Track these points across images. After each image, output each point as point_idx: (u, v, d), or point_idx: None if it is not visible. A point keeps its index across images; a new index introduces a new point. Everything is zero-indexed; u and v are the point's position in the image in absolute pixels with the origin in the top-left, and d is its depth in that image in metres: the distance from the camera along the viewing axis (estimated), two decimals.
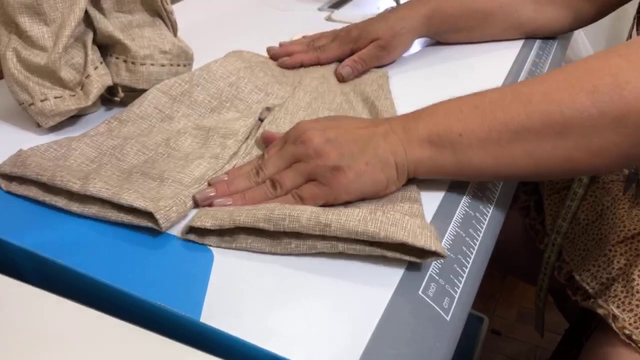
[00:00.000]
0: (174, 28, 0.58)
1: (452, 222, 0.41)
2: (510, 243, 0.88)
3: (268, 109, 0.55)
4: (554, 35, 0.73)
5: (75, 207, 0.41)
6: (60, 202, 0.41)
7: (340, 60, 0.65)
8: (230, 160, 0.47)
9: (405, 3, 0.66)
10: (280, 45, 0.67)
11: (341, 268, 0.37)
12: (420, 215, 0.39)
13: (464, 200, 0.44)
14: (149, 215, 0.39)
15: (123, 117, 0.51)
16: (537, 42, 0.71)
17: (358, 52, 0.64)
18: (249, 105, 0.54)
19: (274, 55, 0.65)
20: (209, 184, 0.44)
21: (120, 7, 0.55)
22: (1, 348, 0.29)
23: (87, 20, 0.53)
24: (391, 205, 0.41)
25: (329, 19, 0.79)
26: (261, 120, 0.53)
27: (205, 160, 0.46)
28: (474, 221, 0.42)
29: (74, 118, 0.54)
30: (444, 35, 0.70)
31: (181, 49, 0.57)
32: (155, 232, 0.40)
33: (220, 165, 0.46)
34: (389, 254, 0.35)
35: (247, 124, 0.50)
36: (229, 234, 0.39)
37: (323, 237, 0.36)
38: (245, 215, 0.38)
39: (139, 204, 0.38)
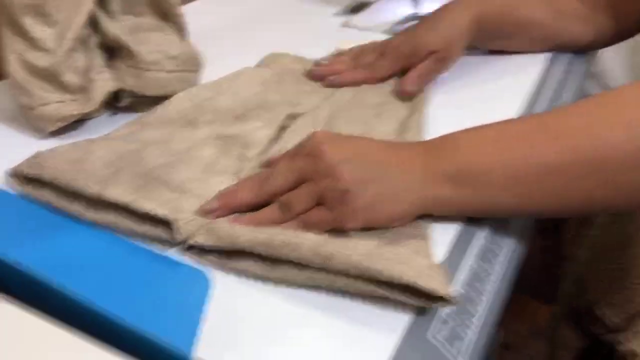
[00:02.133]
0: (183, 32, 0.55)
1: (467, 256, 0.39)
2: (527, 261, 0.85)
3: (292, 117, 0.52)
4: (586, 50, 0.70)
5: (90, 214, 0.39)
6: (76, 208, 0.40)
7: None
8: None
9: (445, 8, 0.61)
10: (320, 64, 0.63)
11: (345, 305, 0.34)
12: (429, 255, 0.36)
13: (482, 232, 0.41)
14: (164, 225, 0.37)
15: (145, 120, 0.50)
16: (564, 57, 0.68)
17: (417, 68, 0.59)
18: (275, 115, 0.52)
19: (319, 77, 0.61)
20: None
21: (129, 9, 0.53)
22: None
23: (93, 22, 0.51)
24: (397, 241, 0.38)
25: (346, 24, 0.77)
26: (283, 130, 0.51)
27: (227, 177, 0.44)
28: (490, 255, 0.39)
29: (77, 122, 0.52)
30: (482, 42, 0.66)
31: (190, 55, 0.54)
32: (153, 252, 0.38)
33: None
34: (394, 295, 0.32)
35: (269, 134, 0.48)
36: (228, 254, 0.37)
37: (323, 270, 0.34)
38: (246, 236, 0.35)
39: (158, 211, 0.37)
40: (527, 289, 1.00)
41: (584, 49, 0.70)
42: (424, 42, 0.60)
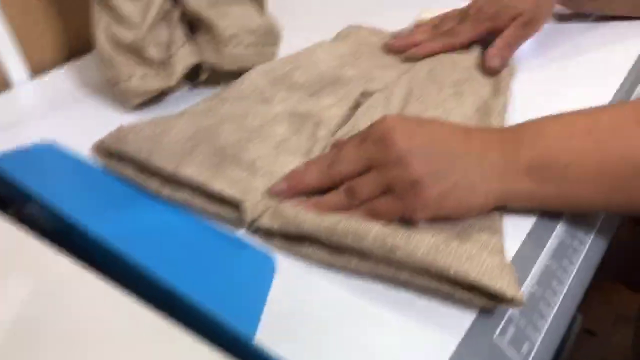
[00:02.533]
0: (262, 5, 0.55)
1: (544, 252, 0.36)
2: (618, 246, 0.80)
3: (366, 94, 0.51)
4: None
5: (167, 190, 0.41)
6: (153, 184, 0.42)
7: (473, 42, 0.57)
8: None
9: None
10: (398, 37, 0.60)
11: (408, 299, 0.33)
12: (499, 251, 0.35)
13: (560, 225, 0.38)
14: (234, 205, 0.38)
15: (223, 95, 0.51)
16: None
17: (502, 35, 0.55)
18: (349, 91, 0.51)
19: (398, 50, 0.58)
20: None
21: None
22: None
23: None
24: (467, 234, 0.36)
25: None
26: (356, 107, 0.50)
27: (297, 157, 0.44)
28: (569, 251, 0.37)
29: (160, 96, 0.54)
30: (579, 2, 0.61)
31: (268, 29, 0.54)
32: (224, 233, 0.39)
33: None
34: (458, 293, 0.31)
35: (340, 113, 0.47)
36: (293, 238, 0.37)
37: (386, 261, 0.33)
38: (311, 221, 0.35)
39: (229, 192, 0.38)
40: (615, 274, 0.94)
41: None
42: (509, 3, 0.55)
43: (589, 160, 0.34)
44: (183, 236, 0.39)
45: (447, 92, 0.51)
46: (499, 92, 0.50)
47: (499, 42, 0.55)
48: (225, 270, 0.36)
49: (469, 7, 0.58)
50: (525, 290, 0.34)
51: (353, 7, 0.70)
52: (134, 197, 0.42)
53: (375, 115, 0.48)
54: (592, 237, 0.39)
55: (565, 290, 0.35)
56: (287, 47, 0.58)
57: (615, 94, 0.51)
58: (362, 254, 0.34)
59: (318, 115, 0.47)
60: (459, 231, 0.36)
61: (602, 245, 0.39)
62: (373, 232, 0.33)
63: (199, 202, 0.40)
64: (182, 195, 0.40)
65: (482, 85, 0.52)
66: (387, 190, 0.37)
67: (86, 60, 0.61)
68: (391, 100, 0.50)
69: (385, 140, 0.37)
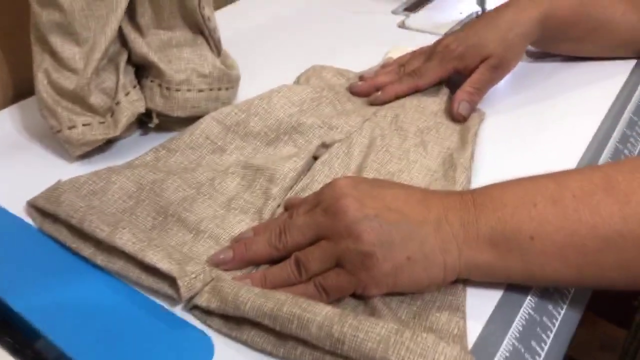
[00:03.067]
0: (217, 47, 0.52)
1: (510, 330, 0.33)
2: None
3: (325, 145, 0.48)
4: None
5: (100, 259, 0.38)
6: (87, 251, 0.39)
7: (440, 82, 0.55)
8: (274, 213, 0.42)
9: (508, 3, 0.54)
10: (363, 78, 0.57)
11: None
12: (460, 336, 0.32)
13: (529, 299, 0.35)
14: (170, 279, 0.35)
15: (172, 145, 0.48)
16: None
17: (470, 80, 0.52)
18: (309, 140, 0.48)
19: (361, 93, 0.55)
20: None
21: (159, 23, 0.50)
22: None
23: (122, 39, 0.48)
24: (426, 314, 0.33)
25: (402, 25, 0.70)
26: (315, 158, 0.47)
27: (248, 216, 0.41)
28: (539, 329, 0.34)
29: (107, 143, 0.50)
30: (551, 44, 0.59)
31: (223, 72, 0.51)
32: (159, 309, 0.35)
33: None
34: None
35: (297, 167, 0.44)
36: (234, 319, 0.34)
37: (335, 353, 0.30)
38: (251, 303, 0.32)
39: (163, 265, 0.35)
40: (601, 311, 0.92)
41: None
42: (480, 43, 0.52)
43: (554, 231, 0.31)
44: (113, 312, 0.35)
45: (412, 142, 0.48)
46: (466, 142, 0.47)
47: (467, 87, 0.52)
48: (157, 352, 0.32)
49: (436, 44, 0.56)
50: None
51: (320, 45, 0.67)
52: (67, 264, 0.39)
53: (337, 166, 0.45)
54: (564, 309, 0.36)
55: None
56: (247, 86, 0.55)
57: (592, 141, 0.48)
58: (306, 342, 0.31)
59: (273, 169, 0.44)
60: (417, 310, 0.33)
61: (575, 317, 0.36)
62: (318, 318, 0.30)
63: (133, 273, 0.36)
64: (116, 265, 0.37)
65: (449, 133, 0.49)
66: (338, 264, 0.34)
67: (33, 102, 0.58)
68: (351, 151, 0.46)
69: (335, 209, 0.34)
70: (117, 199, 0.42)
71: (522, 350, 0.33)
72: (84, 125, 0.47)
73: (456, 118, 0.50)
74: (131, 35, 0.48)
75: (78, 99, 0.47)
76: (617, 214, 0.30)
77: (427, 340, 0.28)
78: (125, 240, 0.36)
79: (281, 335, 0.32)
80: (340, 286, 0.34)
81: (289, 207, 0.41)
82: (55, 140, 0.49)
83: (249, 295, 0.32)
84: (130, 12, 0.48)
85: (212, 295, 0.33)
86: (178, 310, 0.35)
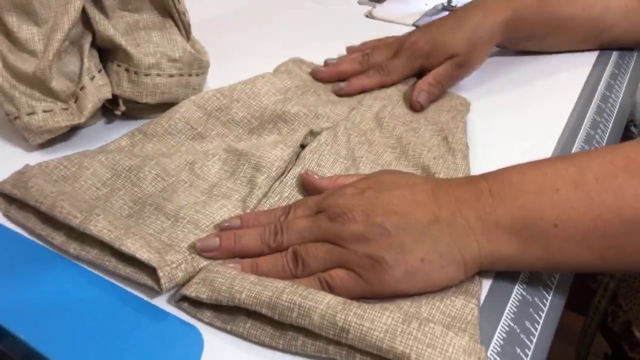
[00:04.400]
0: (186, 31, 0.50)
1: (505, 313, 0.33)
2: None
3: (313, 133, 0.46)
4: (634, 46, 0.63)
5: (72, 247, 0.35)
6: (58, 239, 0.36)
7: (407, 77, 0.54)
8: (259, 202, 0.40)
9: (475, 5, 0.54)
10: (327, 64, 0.56)
11: None
12: (472, 324, 0.31)
13: (519, 282, 0.35)
14: (151, 269, 0.33)
15: (149, 130, 0.45)
16: (614, 54, 0.61)
17: (433, 72, 0.52)
18: (294, 129, 0.46)
19: (323, 79, 0.54)
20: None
21: (125, 5, 0.47)
22: None
23: (86, 20, 0.45)
24: (439, 299, 0.32)
25: (369, 15, 0.70)
26: (303, 146, 0.45)
27: (231, 203, 0.39)
28: (531, 309, 0.34)
29: (71, 131, 0.47)
30: (517, 43, 0.60)
31: (193, 56, 0.49)
32: (141, 301, 0.33)
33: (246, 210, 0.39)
34: None
35: (284, 156, 0.42)
36: (227, 311, 0.32)
37: (337, 342, 0.29)
38: (248, 292, 0.30)
39: (142, 254, 0.32)
40: None
41: (633, 46, 0.63)
42: (446, 43, 0.52)
43: (577, 216, 0.31)
44: (88, 305, 0.32)
45: (402, 129, 0.47)
46: (457, 127, 0.47)
47: (429, 79, 0.52)
48: (141, 348, 0.30)
49: (403, 39, 0.55)
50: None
51: (288, 35, 0.66)
52: (35, 254, 0.36)
53: (327, 154, 0.44)
54: (553, 288, 0.36)
55: (529, 355, 0.32)
56: (216, 75, 0.53)
57: (564, 128, 0.49)
58: (308, 331, 0.29)
59: (258, 155, 0.42)
60: (424, 299, 0.32)
61: (563, 295, 0.36)
62: (322, 306, 0.29)
63: (109, 263, 0.34)
64: (91, 254, 0.34)
65: (436, 120, 0.49)
66: (343, 265, 0.32)
67: None
68: (340, 139, 0.45)
69: (342, 219, 0.33)
70: (91, 186, 0.39)
71: (518, 330, 0.32)
72: (44, 111, 0.44)
73: (414, 106, 0.50)
74: (96, 16, 0.45)
75: (38, 83, 0.44)
76: None
77: (434, 330, 0.27)
78: (100, 227, 0.33)
79: (280, 326, 0.30)
80: (349, 287, 0.32)
81: (288, 209, 0.37)
82: (13, 128, 0.46)
83: (245, 284, 0.31)
84: None
85: (203, 286, 0.31)
86: (159, 302, 0.33)
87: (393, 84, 0.54)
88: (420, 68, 0.54)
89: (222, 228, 0.37)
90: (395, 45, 0.55)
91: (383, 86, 0.54)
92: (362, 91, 0.53)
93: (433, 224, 0.32)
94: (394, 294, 0.32)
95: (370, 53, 0.55)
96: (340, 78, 0.54)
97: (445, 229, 0.32)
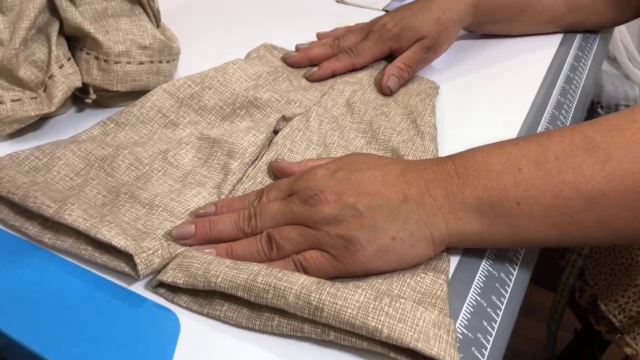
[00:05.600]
0: (156, 18, 0.49)
1: (473, 288, 0.34)
2: None
3: (285, 119, 0.47)
4: (597, 29, 0.64)
5: (47, 237, 0.35)
6: (32, 229, 0.36)
7: (377, 60, 0.55)
8: (233, 188, 0.41)
9: None
10: (298, 49, 0.56)
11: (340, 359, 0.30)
12: (441, 299, 0.32)
13: (486, 258, 0.36)
14: (127, 256, 0.33)
15: (121, 119, 0.45)
16: (578, 37, 0.63)
17: (402, 56, 0.53)
18: (267, 114, 0.47)
19: (294, 64, 0.55)
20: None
21: None
22: None
23: (53, 8, 0.45)
24: (409, 276, 0.33)
25: (340, 1, 0.70)
26: (275, 132, 0.46)
27: (206, 190, 0.40)
28: (497, 284, 0.35)
29: (40, 121, 0.46)
30: (484, 26, 0.61)
31: (164, 43, 0.49)
32: (117, 287, 0.33)
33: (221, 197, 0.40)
34: (392, 354, 0.28)
35: (257, 142, 0.43)
36: (204, 295, 0.32)
37: (312, 320, 0.29)
38: (223, 276, 0.31)
39: (119, 242, 0.32)
40: None
41: (597, 29, 0.65)
42: (414, 25, 0.53)
43: (539, 194, 0.32)
44: (66, 293, 0.33)
45: (372, 114, 0.48)
46: (426, 110, 0.48)
47: (398, 63, 0.53)
48: (118, 333, 0.30)
49: (372, 23, 0.56)
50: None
51: (258, 20, 0.66)
52: (8, 245, 0.36)
53: (299, 140, 0.45)
54: (524, 265, 0.37)
55: (495, 329, 0.33)
56: (186, 62, 0.53)
57: (530, 109, 0.51)
58: (283, 311, 0.30)
59: (230, 141, 0.42)
60: (396, 276, 0.33)
61: (527, 273, 0.38)
62: (296, 286, 0.29)
63: (86, 251, 0.34)
64: (66, 244, 0.35)
65: (406, 103, 0.50)
66: (317, 246, 0.33)
67: None
68: (312, 124, 0.46)
69: (314, 201, 0.34)
70: (64, 176, 0.39)
71: (485, 304, 0.34)
72: (13, 100, 0.44)
73: (384, 91, 0.51)
74: (63, 3, 0.45)
75: (5, 73, 0.43)
76: (599, 173, 0.31)
77: (405, 306, 0.28)
78: (75, 216, 0.34)
79: (256, 308, 0.31)
80: (322, 267, 0.33)
81: (258, 193, 0.38)
82: None
83: (220, 267, 0.31)
84: None
85: (179, 271, 0.32)
86: (136, 288, 0.34)
87: (363, 66, 0.55)
88: (390, 50, 0.55)
89: (197, 215, 0.37)
90: (365, 29, 0.56)
91: (354, 69, 0.54)
92: (333, 74, 0.54)
93: (403, 204, 0.33)
94: (366, 272, 0.33)
95: (340, 37, 0.56)
96: (312, 63, 0.55)
97: (414, 208, 0.33)
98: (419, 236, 0.33)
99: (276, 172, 0.41)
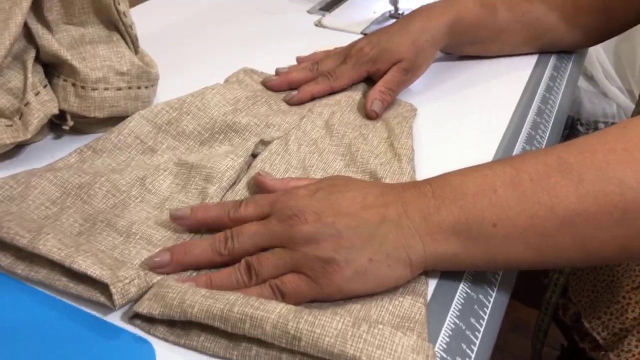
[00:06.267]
0: (134, 44, 0.50)
1: (451, 311, 0.34)
2: None
3: (264, 142, 0.47)
4: (572, 49, 0.66)
5: (20, 268, 0.35)
6: (5, 260, 0.35)
7: (355, 83, 0.56)
8: None
9: (419, 11, 0.56)
10: (278, 73, 0.56)
11: None
12: (420, 323, 0.32)
13: (464, 280, 0.36)
14: (103, 286, 0.32)
15: (98, 146, 0.45)
16: (553, 57, 0.64)
17: (382, 80, 0.53)
18: (245, 138, 0.47)
19: (274, 88, 0.55)
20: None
21: (69, 18, 0.47)
22: None
23: (29, 35, 0.45)
24: (388, 300, 0.33)
25: (318, 24, 0.71)
26: (254, 156, 0.46)
27: None
28: (476, 306, 0.35)
29: (17, 148, 0.46)
30: (461, 47, 0.61)
31: (142, 69, 0.49)
32: (92, 318, 0.33)
33: None
34: None
35: (235, 165, 0.43)
36: (181, 325, 0.32)
37: (290, 350, 0.29)
38: (199, 306, 0.31)
39: (94, 271, 0.32)
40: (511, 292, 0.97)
41: (570, 50, 0.66)
42: (391, 47, 0.54)
43: (515, 215, 0.32)
44: (40, 325, 0.32)
45: (351, 136, 0.48)
46: (403, 132, 0.48)
47: (380, 87, 0.53)
48: None
49: (350, 47, 0.57)
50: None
51: (239, 44, 0.66)
52: None
53: (278, 162, 0.45)
54: (497, 285, 0.37)
55: (475, 351, 0.33)
56: (166, 87, 0.53)
57: (507, 128, 0.51)
58: (261, 341, 0.30)
59: (208, 166, 0.42)
60: (373, 302, 0.33)
61: (507, 292, 0.38)
62: (273, 315, 0.29)
63: (60, 282, 0.33)
64: (40, 274, 0.34)
65: (385, 127, 0.50)
66: (295, 269, 0.33)
67: None
68: (291, 148, 0.46)
69: (292, 221, 0.34)
70: (39, 205, 0.39)
71: (463, 327, 0.34)
72: None
73: (370, 115, 0.51)
74: (39, 31, 0.45)
75: None
76: (573, 194, 0.31)
77: (384, 332, 0.28)
78: (50, 246, 0.33)
79: (233, 337, 0.31)
80: (300, 290, 0.33)
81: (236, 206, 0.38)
82: None
83: (196, 297, 0.31)
84: (37, 7, 0.45)
85: (154, 302, 0.31)
86: (112, 319, 0.33)
87: (341, 89, 0.55)
88: (367, 74, 0.55)
89: (172, 215, 0.37)
90: (343, 53, 0.56)
91: (332, 92, 0.55)
92: (313, 98, 0.54)
93: (381, 225, 0.33)
94: (344, 294, 0.33)
95: (319, 61, 0.57)
96: (291, 87, 0.55)
97: (392, 229, 0.33)
98: (396, 258, 0.33)
99: (258, 185, 0.41)
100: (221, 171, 0.42)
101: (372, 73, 0.55)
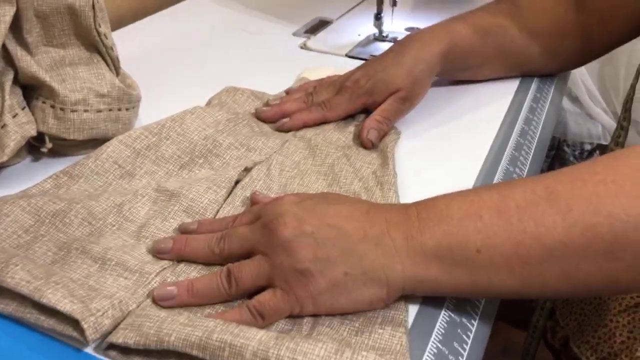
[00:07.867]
0: (115, 66, 0.49)
1: (434, 335, 0.33)
2: None
3: (247, 170, 0.46)
4: (554, 73, 0.66)
5: None
6: None
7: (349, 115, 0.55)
8: None
9: (412, 38, 0.56)
10: (270, 104, 0.55)
11: None
12: (402, 353, 0.31)
13: (447, 303, 0.36)
14: (75, 320, 0.31)
15: (75, 171, 0.44)
16: (535, 80, 0.64)
17: (380, 109, 0.53)
18: (226, 162, 0.46)
19: (268, 119, 0.54)
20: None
21: (50, 40, 0.46)
22: None
23: (7, 57, 0.44)
24: (367, 331, 0.32)
25: (304, 46, 0.71)
26: (237, 181, 0.45)
27: None
28: (459, 330, 0.34)
29: None
30: (452, 73, 0.61)
31: (123, 91, 0.48)
32: (67, 349, 0.32)
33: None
34: None
35: (217, 199, 0.42)
36: (157, 355, 0.31)
37: None
38: (177, 334, 0.30)
39: (64, 306, 0.31)
40: (500, 315, 0.96)
41: (552, 74, 0.66)
42: (388, 79, 0.53)
43: (500, 242, 0.31)
44: (14, 358, 0.31)
45: (334, 157, 0.48)
46: (386, 158, 0.48)
47: (376, 116, 0.52)
48: None
49: (345, 77, 0.56)
50: None
51: (224, 66, 0.66)
52: None
53: (259, 188, 0.44)
54: (483, 318, 0.36)
55: None
56: (148, 109, 0.52)
57: (490, 150, 0.51)
58: None
59: (190, 199, 0.41)
60: (359, 326, 0.32)
61: (491, 314, 0.37)
62: (254, 343, 0.29)
63: (31, 315, 0.32)
64: (10, 307, 0.33)
65: (368, 152, 0.50)
66: (271, 284, 0.33)
67: None
68: (272, 173, 0.45)
69: (273, 225, 0.34)
70: (11, 234, 0.38)
71: (446, 352, 0.33)
72: None
73: (365, 145, 0.51)
74: (18, 53, 0.44)
75: None
76: (560, 223, 0.30)
77: (367, 359, 0.28)
78: (18, 279, 0.32)
79: None
80: (277, 307, 0.32)
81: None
82: None
83: (174, 326, 0.30)
84: (15, 29, 0.44)
85: (130, 331, 0.31)
86: (87, 349, 0.32)
87: (334, 120, 0.54)
88: (364, 106, 0.54)
89: (181, 229, 0.40)
90: (337, 84, 0.56)
91: (325, 122, 0.54)
92: (305, 126, 0.53)
93: (361, 241, 0.33)
94: (317, 307, 0.33)
95: (313, 92, 0.56)
96: (284, 117, 0.54)
97: (372, 247, 0.33)
98: (372, 275, 0.32)
99: (252, 203, 0.42)
100: (203, 205, 0.41)
101: (369, 105, 0.54)
